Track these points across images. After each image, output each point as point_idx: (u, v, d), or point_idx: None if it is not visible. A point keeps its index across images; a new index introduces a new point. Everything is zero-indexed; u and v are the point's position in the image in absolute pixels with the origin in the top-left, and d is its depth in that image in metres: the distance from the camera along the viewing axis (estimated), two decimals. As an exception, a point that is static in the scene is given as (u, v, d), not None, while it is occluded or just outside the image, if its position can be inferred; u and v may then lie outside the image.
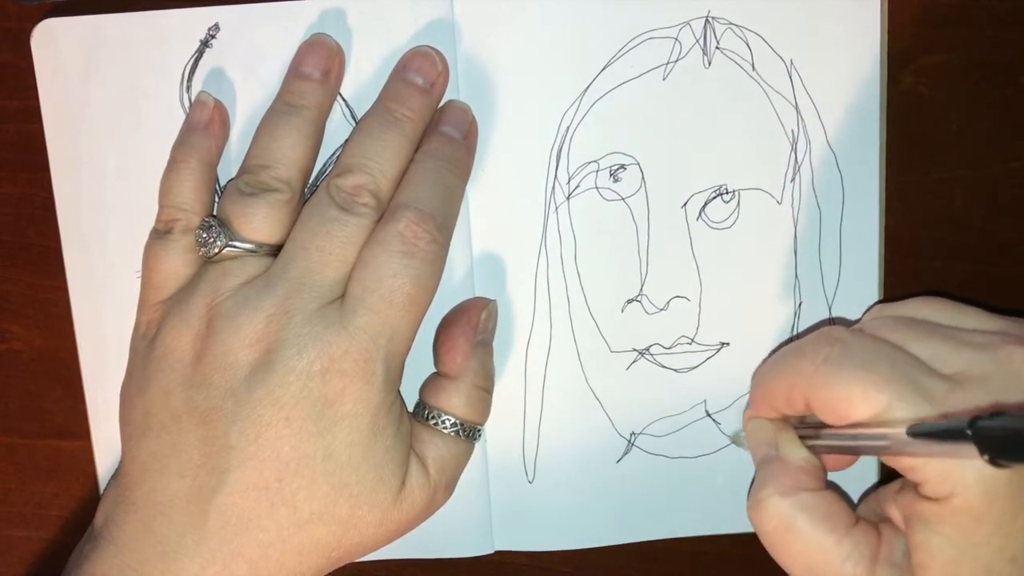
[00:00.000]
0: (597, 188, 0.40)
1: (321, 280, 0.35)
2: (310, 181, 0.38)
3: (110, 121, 0.40)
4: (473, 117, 0.39)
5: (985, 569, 0.31)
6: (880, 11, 0.39)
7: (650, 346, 0.41)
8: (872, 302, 0.41)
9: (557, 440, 0.41)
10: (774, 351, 0.41)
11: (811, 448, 0.36)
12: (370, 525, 0.35)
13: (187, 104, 0.39)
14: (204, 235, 0.36)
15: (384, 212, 0.36)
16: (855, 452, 0.35)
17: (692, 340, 0.41)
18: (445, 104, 0.39)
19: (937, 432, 0.29)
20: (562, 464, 0.41)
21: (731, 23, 0.39)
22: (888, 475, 0.37)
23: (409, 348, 0.36)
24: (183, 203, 0.37)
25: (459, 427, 0.38)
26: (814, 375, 0.33)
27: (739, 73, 0.39)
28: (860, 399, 0.32)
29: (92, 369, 0.41)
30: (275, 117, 0.37)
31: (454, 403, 0.38)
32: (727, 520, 0.42)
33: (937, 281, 0.41)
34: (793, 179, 0.40)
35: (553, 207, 0.40)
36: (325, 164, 0.39)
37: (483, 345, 0.39)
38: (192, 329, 0.35)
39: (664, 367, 0.41)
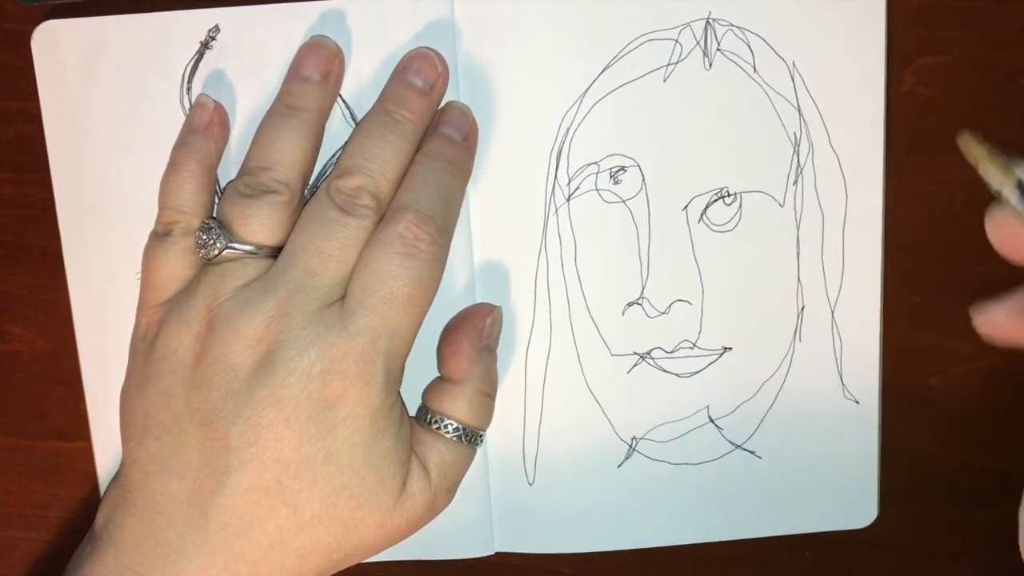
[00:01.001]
0: (597, 190, 0.40)
1: (321, 282, 0.35)
2: (310, 183, 0.38)
3: (110, 123, 0.40)
4: (473, 118, 0.39)
5: None
6: (884, 12, 0.39)
7: (651, 350, 0.41)
8: (875, 305, 0.40)
9: (557, 442, 0.41)
10: None
11: None
12: (371, 527, 0.35)
13: (187, 106, 0.39)
14: (204, 237, 0.36)
15: (384, 214, 0.36)
16: None
17: (694, 344, 0.41)
18: (445, 105, 0.38)
19: None
20: (562, 467, 0.41)
21: (732, 25, 0.39)
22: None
23: (409, 349, 0.36)
24: (183, 205, 0.37)
25: (462, 432, 0.38)
26: None
27: (740, 75, 0.39)
28: None
29: (92, 370, 0.41)
30: (275, 119, 0.37)
31: (457, 408, 0.38)
32: (731, 528, 0.42)
33: (938, 282, 0.41)
34: (795, 182, 0.40)
35: (553, 209, 0.40)
36: (325, 166, 0.39)
37: (487, 351, 0.39)
38: (192, 331, 0.35)
39: (666, 371, 0.41)
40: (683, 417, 0.41)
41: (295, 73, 0.38)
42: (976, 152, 0.33)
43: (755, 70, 0.39)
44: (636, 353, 0.41)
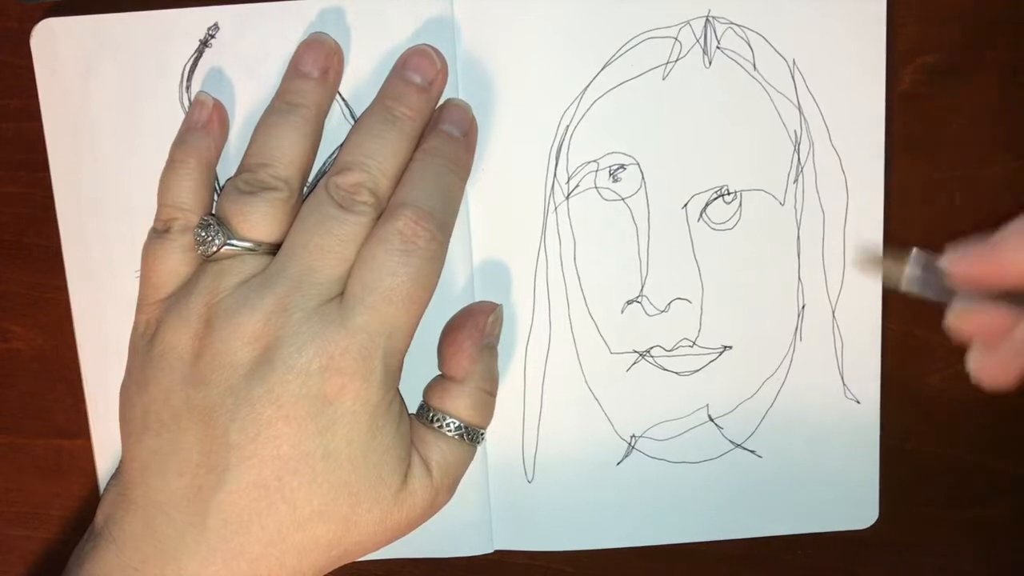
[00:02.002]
0: (597, 188, 0.40)
1: (320, 278, 0.35)
2: (309, 180, 0.38)
3: (110, 121, 0.40)
4: (473, 115, 0.39)
5: None
6: (884, 9, 0.39)
7: (651, 348, 0.41)
8: (876, 304, 0.40)
9: (557, 440, 0.41)
10: None
11: None
12: (370, 523, 0.35)
13: (187, 103, 0.39)
14: (203, 234, 0.36)
15: (383, 210, 0.36)
16: None
17: (694, 343, 0.41)
18: (445, 102, 0.39)
19: None
20: (562, 465, 0.41)
21: (732, 22, 0.39)
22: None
23: (408, 346, 0.36)
24: (182, 202, 0.37)
25: (463, 430, 0.38)
26: None
27: (740, 73, 0.39)
28: None
29: (92, 368, 0.41)
30: (274, 116, 0.37)
31: (458, 406, 0.38)
32: (731, 527, 0.42)
33: (939, 281, 0.41)
34: (796, 180, 0.40)
35: (552, 206, 0.40)
36: (324, 163, 0.39)
37: (489, 349, 0.39)
38: (191, 328, 0.35)
39: (665, 370, 0.41)
40: (682, 416, 0.41)
41: (294, 70, 0.38)
42: (870, 262, 0.36)
43: (755, 68, 0.39)
44: (635, 351, 0.41)
